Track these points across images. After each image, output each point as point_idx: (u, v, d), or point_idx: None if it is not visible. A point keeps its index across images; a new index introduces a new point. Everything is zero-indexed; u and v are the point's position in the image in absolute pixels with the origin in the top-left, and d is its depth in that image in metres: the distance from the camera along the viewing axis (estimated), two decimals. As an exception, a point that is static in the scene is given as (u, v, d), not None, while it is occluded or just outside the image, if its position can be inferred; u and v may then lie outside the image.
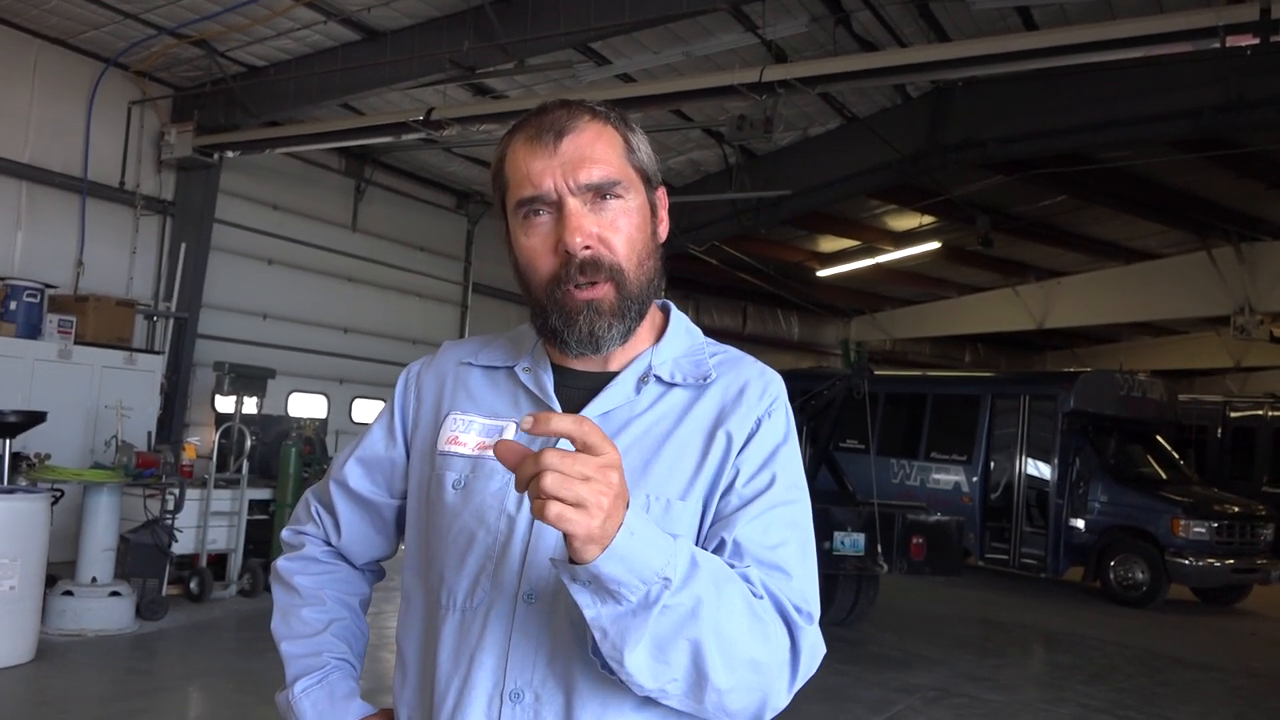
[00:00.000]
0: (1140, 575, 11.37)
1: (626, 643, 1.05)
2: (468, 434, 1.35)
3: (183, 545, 7.82)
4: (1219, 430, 16.44)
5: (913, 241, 16.25)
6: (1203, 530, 11.10)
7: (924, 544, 8.32)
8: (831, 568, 8.04)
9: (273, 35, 9.74)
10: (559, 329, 1.28)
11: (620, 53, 10.12)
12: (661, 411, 1.32)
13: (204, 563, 8.13)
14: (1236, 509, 11.71)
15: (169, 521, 7.40)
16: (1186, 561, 11.03)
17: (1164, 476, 12.47)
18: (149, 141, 10.85)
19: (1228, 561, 11.15)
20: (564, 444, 1.02)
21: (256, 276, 12.09)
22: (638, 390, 1.32)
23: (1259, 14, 6.40)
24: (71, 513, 7.32)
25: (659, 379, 1.33)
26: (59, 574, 6.97)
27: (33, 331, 8.98)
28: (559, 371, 1.35)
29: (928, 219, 15.46)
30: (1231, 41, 6.59)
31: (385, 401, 1.51)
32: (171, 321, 10.91)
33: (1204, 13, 6.66)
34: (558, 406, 1.32)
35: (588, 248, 1.25)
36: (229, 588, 8.27)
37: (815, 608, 1.22)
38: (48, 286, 9.35)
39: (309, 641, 1.44)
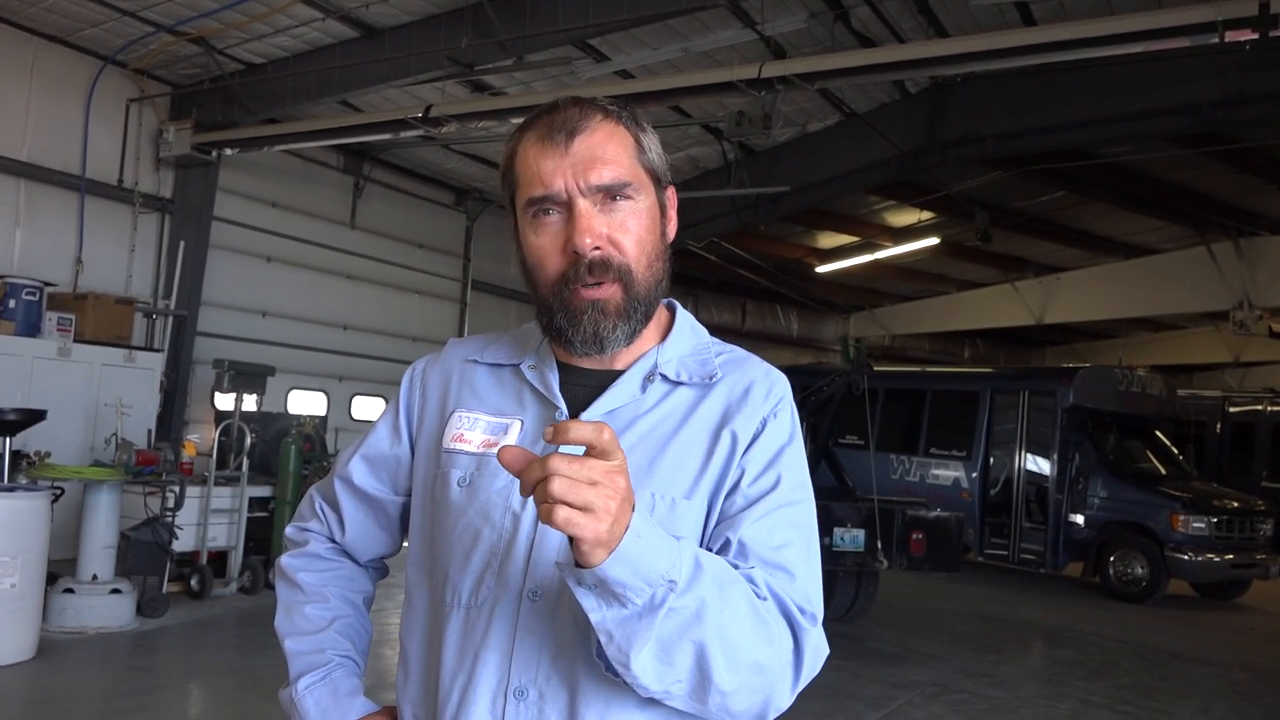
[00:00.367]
0: (1139, 570, 11.38)
1: (632, 646, 1.05)
2: (473, 431, 1.35)
3: (183, 543, 7.83)
4: (1218, 425, 16.44)
5: (912, 237, 16.25)
6: (1202, 525, 11.11)
7: (923, 540, 8.32)
8: (831, 563, 8.04)
9: (271, 32, 9.73)
10: (564, 328, 1.28)
11: (619, 49, 10.11)
12: (667, 410, 1.32)
13: (204, 560, 8.14)
14: (1236, 504, 11.72)
15: (169, 519, 7.40)
16: (1186, 556, 11.04)
17: (1163, 472, 12.48)
18: (147, 139, 10.83)
19: (1227, 556, 11.15)
20: (567, 447, 1.02)
21: (256, 274, 12.08)
22: (643, 389, 1.32)
23: (1258, 9, 6.40)
24: (72, 510, 7.32)
25: (664, 378, 1.34)
26: (60, 572, 6.97)
27: (32, 329, 8.98)
28: (564, 369, 1.36)
29: (927, 215, 15.46)
30: (1230, 36, 6.58)
31: (387, 399, 1.52)
32: (171, 319, 10.90)
33: (1203, 7, 6.65)
34: (563, 404, 1.32)
35: (597, 248, 1.25)
36: (229, 585, 8.27)
37: (819, 609, 1.22)
38: (47, 284, 9.34)
39: (312, 639, 1.44)
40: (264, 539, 8.60)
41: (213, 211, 11.29)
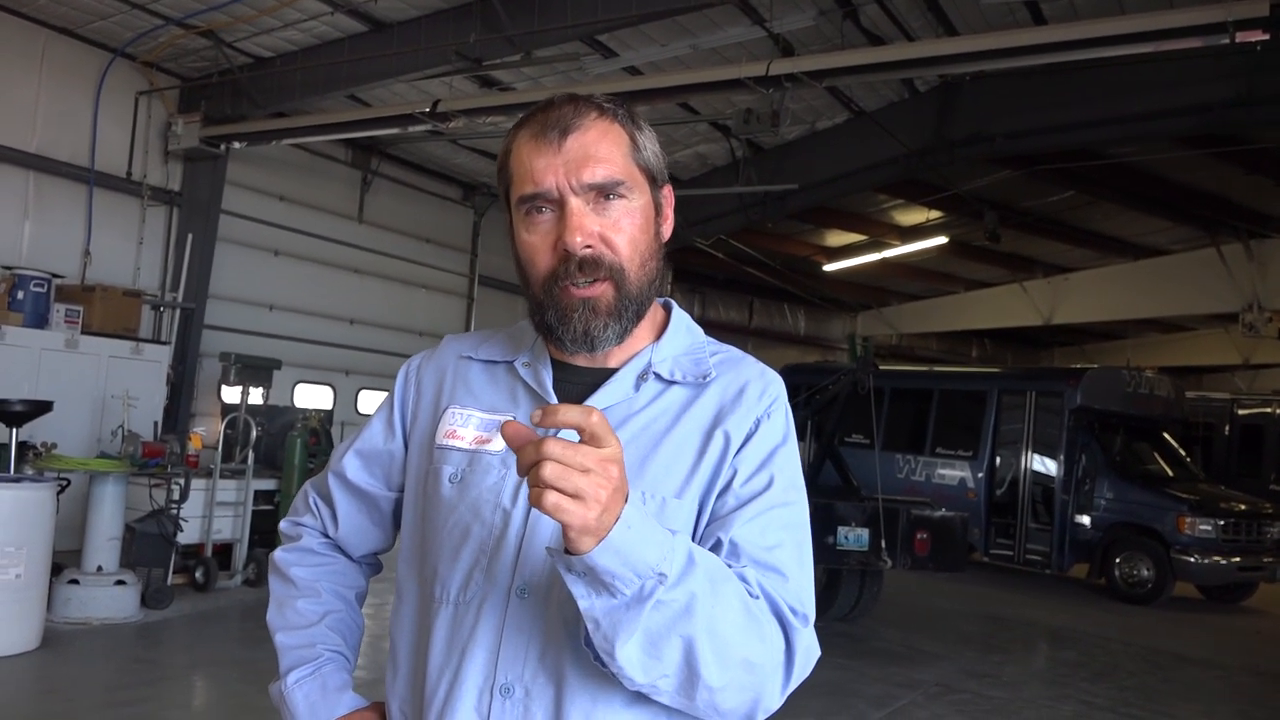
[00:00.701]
0: (1145, 572, 11.34)
1: (618, 635, 1.05)
2: (465, 428, 1.35)
3: (188, 535, 7.84)
4: (1226, 427, 16.38)
5: (920, 236, 16.21)
6: (1209, 528, 11.06)
7: (928, 539, 8.30)
8: (835, 563, 8.04)
9: (280, 26, 9.75)
10: (554, 325, 1.28)
11: (627, 45, 10.11)
12: (660, 409, 1.31)
13: (209, 552, 8.16)
14: (1243, 506, 11.66)
15: (174, 511, 7.43)
16: (1192, 559, 10.99)
17: (1170, 474, 12.42)
18: (156, 132, 10.87)
19: (1234, 559, 11.10)
20: (567, 434, 1.02)
21: (263, 267, 12.11)
22: (636, 387, 1.32)
23: (1269, 9, 6.38)
24: (77, 502, 7.35)
25: (658, 376, 1.33)
26: (65, 563, 7.00)
27: (40, 321, 9.01)
28: (558, 367, 1.35)
29: (935, 214, 15.42)
30: (1241, 37, 6.56)
31: (388, 394, 1.52)
32: (178, 312, 10.94)
33: (1214, 8, 6.62)
34: (556, 402, 1.31)
35: (588, 247, 1.24)
36: (234, 577, 8.30)
37: (811, 610, 1.22)
38: (55, 276, 9.37)
39: (303, 633, 1.44)
40: (269, 532, 8.61)
41: (220, 205, 11.33)
